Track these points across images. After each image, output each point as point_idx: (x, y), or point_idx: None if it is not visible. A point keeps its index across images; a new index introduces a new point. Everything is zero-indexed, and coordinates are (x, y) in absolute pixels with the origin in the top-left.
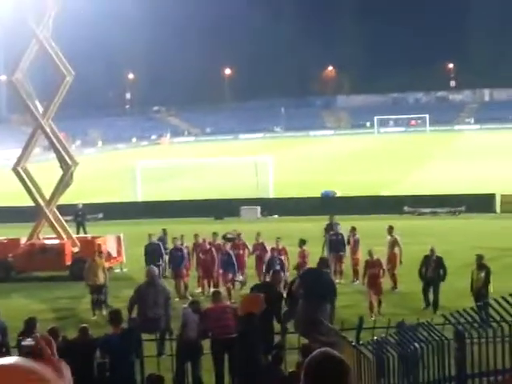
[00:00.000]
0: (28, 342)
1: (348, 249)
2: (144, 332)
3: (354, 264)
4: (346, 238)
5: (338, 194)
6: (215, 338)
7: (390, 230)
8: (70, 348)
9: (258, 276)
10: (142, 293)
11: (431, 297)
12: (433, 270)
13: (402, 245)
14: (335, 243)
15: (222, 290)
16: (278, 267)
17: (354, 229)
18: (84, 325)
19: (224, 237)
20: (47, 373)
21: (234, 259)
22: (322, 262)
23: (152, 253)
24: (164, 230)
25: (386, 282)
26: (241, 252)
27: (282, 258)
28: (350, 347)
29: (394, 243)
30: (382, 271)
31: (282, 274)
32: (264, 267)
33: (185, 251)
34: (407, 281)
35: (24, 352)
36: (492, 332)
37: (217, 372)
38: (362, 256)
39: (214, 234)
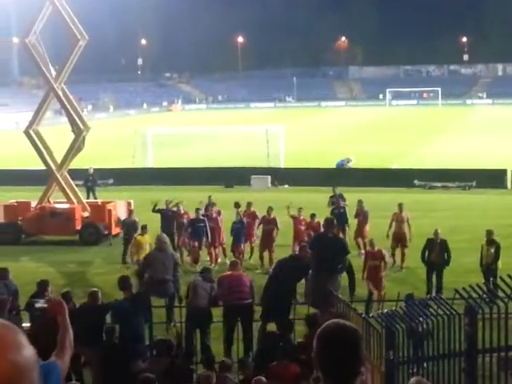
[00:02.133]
0: (41, 304)
1: (356, 222)
2: (153, 295)
3: (363, 237)
4: (349, 211)
5: (353, 161)
6: (228, 304)
7: (401, 206)
8: (80, 313)
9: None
10: (152, 258)
11: (434, 282)
12: (437, 254)
13: (411, 222)
14: (337, 216)
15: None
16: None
17: (361, 202)
18: (94, 289)
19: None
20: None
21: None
22: (328, 223)
23: (166, 219)
24: (210, 197)
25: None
26: (251, 221)
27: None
28: (360, 319)
29: (402, 220)
30: (383, 264)
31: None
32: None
33: (207, 222)
34: (417, 256)
35: (37, 313)
36: (504, 308)
37: (226, 339)
38: (371, 229)
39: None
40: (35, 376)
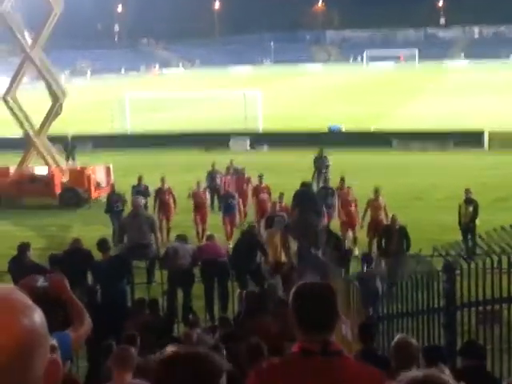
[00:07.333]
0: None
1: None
2: (133, 258)
3: (352, 226)
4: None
5: (343, 129)
6: (205, 260)
7: (377, 192)
8: (64, 258)
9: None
10: (127, 222)
11: None
12: (396, 242)
13: (388, 210)
14: (324, 198)
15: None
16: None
17: (342, 180)
18: (76, 237)
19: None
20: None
21: (236, 201)
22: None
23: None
24: (213, 165)
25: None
26: (244, 187)
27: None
28: (340, 277)
29: (379, 207)
30: None
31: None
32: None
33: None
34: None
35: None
36: (481, 264)
37: (206, 296)
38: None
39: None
40: (49, 341)
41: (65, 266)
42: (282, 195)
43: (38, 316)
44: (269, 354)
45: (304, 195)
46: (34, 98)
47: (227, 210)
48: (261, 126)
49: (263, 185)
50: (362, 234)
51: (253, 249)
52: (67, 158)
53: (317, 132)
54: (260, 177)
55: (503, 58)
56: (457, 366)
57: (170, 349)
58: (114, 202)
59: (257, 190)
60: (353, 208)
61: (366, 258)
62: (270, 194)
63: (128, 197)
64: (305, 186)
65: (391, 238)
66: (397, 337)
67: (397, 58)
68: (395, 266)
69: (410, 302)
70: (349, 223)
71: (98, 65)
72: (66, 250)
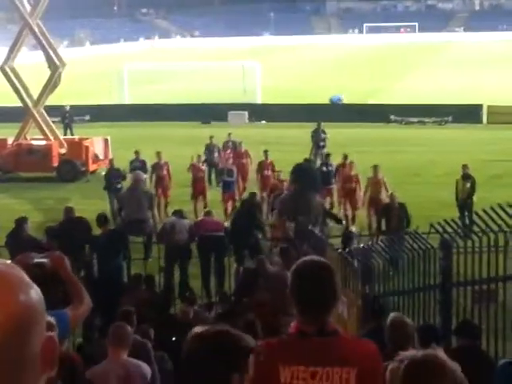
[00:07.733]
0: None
1: (338, 181)
2: (130, 234)
3: (353, 206)
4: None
5: (345, 100)
6: (202, 235)
7: (375, 169)
8: (60, 230)
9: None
10: (125, 196)
11: None
12: (397, 221)
13: (388, 186)
14: (324, 175)
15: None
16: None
17: (345, 157)
18: (69, 205)
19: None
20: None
21: (234, 176)
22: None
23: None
24: (211, 138)
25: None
26: (243, 161)
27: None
28: (336, 254)
29: (379, 183)
30: None
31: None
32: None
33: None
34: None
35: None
36: (478, 242)
37: (203, 272)
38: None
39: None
40: (45, 318)
41: (62, 239)
42: (279, 172)
43: (34, 293)
44: (265, 330)
45: (303, 171)
46: (32, 69)
47: (226, 187)
48: (259, 98)
49: (268, 161)
50: (362, 212)
51: (252, 219)
52: (65, 130)
53: (315, 105)
54: (265, 152)
55: (503, 30)
56: (451, 346)
57: (198, 328)
58: (113, 178)
59: (261, 166)
60: (354, 184)
61: (347, 235)
62: (274, 170)
63: (127, 172)
64: (306, 161)
65: (391, 216)
66: (391, 316)
67: (397, 31)
68: (392, 243)
69: (406, 279)
70: (349, 201)
71: (96, 34)
72: (62, 222)
